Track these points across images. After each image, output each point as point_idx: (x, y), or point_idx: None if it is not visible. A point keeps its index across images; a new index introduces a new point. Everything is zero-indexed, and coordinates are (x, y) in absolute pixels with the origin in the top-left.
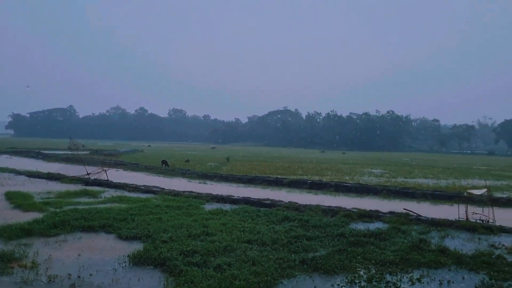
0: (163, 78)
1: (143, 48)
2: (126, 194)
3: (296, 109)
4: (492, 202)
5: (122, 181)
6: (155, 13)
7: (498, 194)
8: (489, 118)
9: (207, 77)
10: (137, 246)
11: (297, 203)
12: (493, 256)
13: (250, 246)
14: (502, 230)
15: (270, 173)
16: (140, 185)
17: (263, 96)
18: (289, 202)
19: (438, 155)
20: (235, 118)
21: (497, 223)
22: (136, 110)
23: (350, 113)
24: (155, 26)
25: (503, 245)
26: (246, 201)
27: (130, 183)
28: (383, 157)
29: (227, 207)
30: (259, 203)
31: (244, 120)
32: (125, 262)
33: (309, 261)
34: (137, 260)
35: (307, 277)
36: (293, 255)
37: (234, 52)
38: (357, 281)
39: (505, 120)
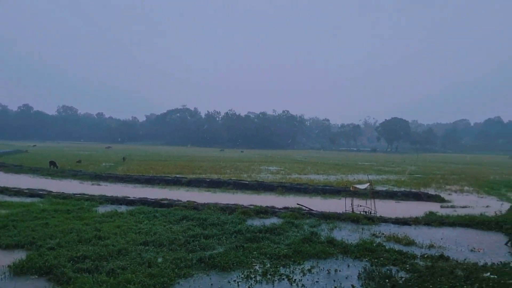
0: (51, 73)
1: (28, 39)
2: (7, 198)
3: (195, 108)
4: (373, 195)
5: (1, 185)
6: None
7: (379, 188)
8: (373, 118)
9: (102, 74)
10: (19, 255)
11: (195, 202)
12: (374, 244)
13: (146, 247)
14: (382, 220)
15: (169, 173)
16: (23, 189)
17: (162, 95)
18: (187, 201)
19: (328, 153)
20: (132, 117)
21: (378, 214)
22: (19, 107)
23: (248, 112)
24: (42, 17)
25: (383, 233)
26: (143, 201)
27: (12, 186)
28: (279, 155)
29: (122, 208)
30: (156, 203)
31: (142, 118)
32: (4, 273)
33: (206, 259)
34: (19, 270)
35: (204, 275)
36: (190, 255)
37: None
38: (253, 276)
39: (385, 119)
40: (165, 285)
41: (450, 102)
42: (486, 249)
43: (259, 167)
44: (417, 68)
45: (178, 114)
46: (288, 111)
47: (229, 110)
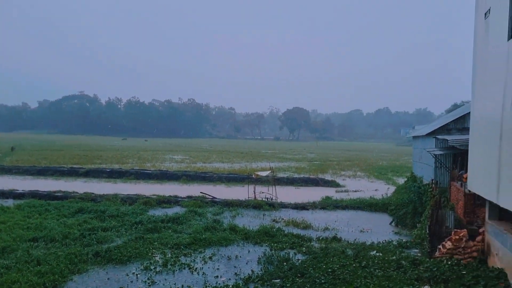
0: None
1: None
2: None
3: (95, 95)
4: (275, 181)
5: None
6: None
7: (280, 174)
8: (275, 108)
9: None
10: None
11: (93, 194)
12: (274, 229)
13: (36, 244)
14: (283, 205)
15: (65, 163)
16: None
17: (56, 79)
18: (84, 192)
19: (233, 141)
20: (22, 103)
21: (279, 200)
22: None
23: (153, 99)
24: None
25: (282, 218)
26: (34, 194)
27: None
28: (184, 143)
29: (9, 202)
30: (49, 196)
31: (34, 105)
32: None
33: (103, 253)
34: None
35: (101, 269)
36: (86, 249)
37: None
38: (153, 267)
39: (287, 109)
40: (56, 283)
41: (346, 93)
42: (373, 229)
43: (163, 156)
44: (316, 58)
45: (75, 101)
46: (194, 100)
47: (132, 97)
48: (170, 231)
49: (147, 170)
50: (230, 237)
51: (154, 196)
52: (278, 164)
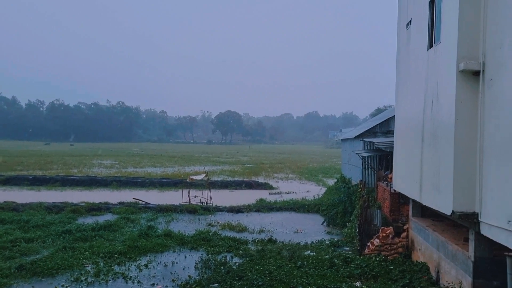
0: None
1: None
2: None
3: (13, 96)
4: (209, 185)
5: None
6: None
7: (214, 178)
8: (207, 111)
9: None
10: None
11: (15, 203)
12: (210, 234)
13: None
14: (218, 209)
15: None
16: None
17: None
18: (4, 202)
19: (165, 145)
20: None
21: (214, 204)
22: None
23: (79, 102)
24: None
25: (218, 222)
26: None
27: None
28: (114, 148)
29: None
30: None
31: None
32: None
33: (28, 266)
34: None
35: (26, 284)
36: (8, 262)
37: None
38: (84, 278)
39: (220, 112)
40: None
41: (277, 97)
42: (307, 229)
43: (91, 161)
44: (247, 62)
45: None
46: (123, 102)
47: (56, 100)
48: (101, 239)
49: (74, 176)
50: (165, 243)
51: (83, 204)
52: (212, 167)
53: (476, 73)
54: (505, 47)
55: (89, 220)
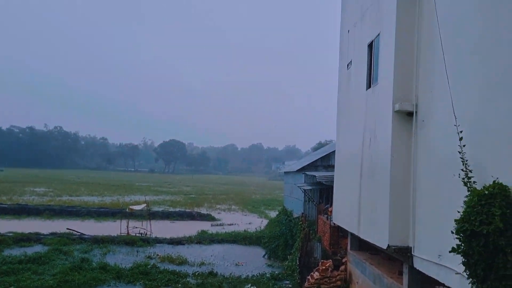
0: None
1: None
2: None
3: None
4: (150, 216)
5: None
6: None
7: (155, 208)
8: (149, 139)
9: None
10: None
11: None
12: (149, 267)
13: None
14: (158, 240)
15: None
16: None
17: None
18: None
19: (105, 173)
20: None
21: (154, 235)
22: None
23: (11, 126)
24: None
25: (158, 254)
26: None
27: None
28: (48, 174)
29: None
30: None
31: None
32: None
33: None
34: None
35: None
36: None
37: None
38: None
39: (164, 141)
40: None
41: (221, 128)
42: (248, 262)
43: (22, 188)
44: (193, 93)
45: None
46: (61, 127)
47: None
48: (30, 272)
49: (2, 204)
50: (100, 277)
51: (11, 234)
52: (153, 197)
53: (410, 114)
54: (434, 92)
55: (16, 252)
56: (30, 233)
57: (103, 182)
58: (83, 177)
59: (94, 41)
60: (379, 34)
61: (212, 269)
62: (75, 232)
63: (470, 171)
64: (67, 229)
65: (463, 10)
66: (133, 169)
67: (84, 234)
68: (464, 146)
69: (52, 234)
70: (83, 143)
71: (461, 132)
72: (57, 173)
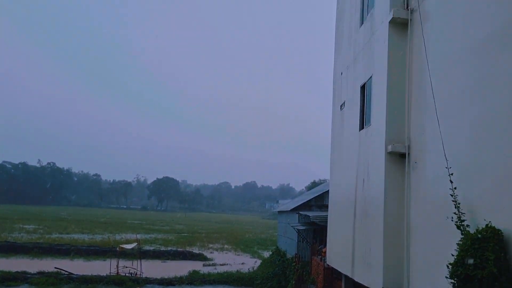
0: None
1: None
2: None
3: None
4: (141, 255)
5: None
6: None
7: (147, 247)
8: (142, 176)
9: None
10: None
11: None
12: None
13: None
14: (148, 281)
15: None
16: None
17: None
18: None
19: (97, 210)
20: None
21: (144, 275)
22: None
23: (3, 161)
24: None
25: None
26: None
27: None
28: (39, 211)
29: None
30: None
31: None
32: None
33: None
34: None
35: None
36: None
37: None
38: None
39: (157, 178)
40: None
41: (215, 165)
42: None
43: (12, 225)
44: (188, 130)
45: None
46: (54, 163)
47: None
48: None
49: None
50: None
51: None
52: (145, 235)
53: (402, 155)
54: (426, 134)
55: None
56: (17, 272)
57: (94, 220)
58: (74, 214)
59: (86, 80)
60: (371, 77)
61: None
62: (63, 272)
63: (463, 214)
64: (55, 268)
65: (452, 54)
66: (125, 206)
67: (73, 274)
68: (455, 188)
69: (39, 273)
70: (75, 179)
71: (452, 174)
72: (48, 210)
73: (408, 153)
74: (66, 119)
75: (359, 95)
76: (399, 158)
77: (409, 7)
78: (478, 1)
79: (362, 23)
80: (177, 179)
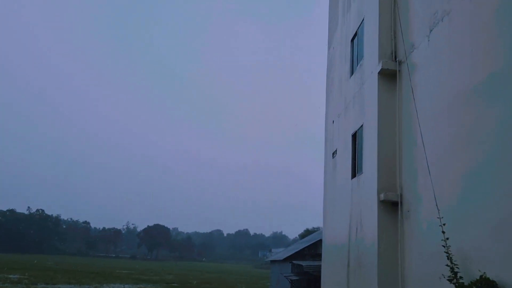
0: None
1: None
2: None
3: None
4: None
5: None
6: None
7: None
8: (132, 224)
9: None
10: None
11: None
12: None
13: None
14: None
15: None
16: None
17: None
18: None
19: (85, 259)
20: None
21: None
22: None
23: None
24: None
25: None
26: None
27: None
28: (26, 260)
29: None
30: None
31: None
32: None
33: None
34: None
35: None
36: None
37: None
38: None
39: (148, 225)
40: None
41: (207, 213)
42: None
43: None
44: (178, 177)
45: None
46: (43, 211)
47: None
48: None
49: None
50: None
51: None
52: (133, 286)
53: (395, 204)
54: (418, 182)
55: None
56: None
57: (82, 269)
58: (62, 263)
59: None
60: (362, 125)
61: None
62: None
63: (456, 265)
64: None
65: (440, 103)
66: (113, 255)
67: None
68: (447, 239)
69: None
70: (64, 227)
71: (444, 225)
72: (35, 258)
73: (401, 202)
74: (57, 164)
75: (351, 143)
76: (391, 206)
77: (397, 59)
78: (463, 54)
79: (352, 73)
80: (168, 227)
